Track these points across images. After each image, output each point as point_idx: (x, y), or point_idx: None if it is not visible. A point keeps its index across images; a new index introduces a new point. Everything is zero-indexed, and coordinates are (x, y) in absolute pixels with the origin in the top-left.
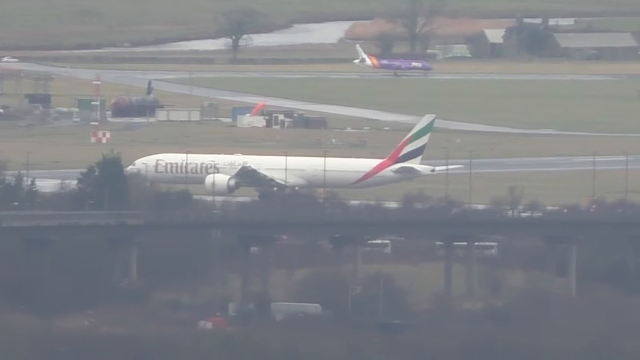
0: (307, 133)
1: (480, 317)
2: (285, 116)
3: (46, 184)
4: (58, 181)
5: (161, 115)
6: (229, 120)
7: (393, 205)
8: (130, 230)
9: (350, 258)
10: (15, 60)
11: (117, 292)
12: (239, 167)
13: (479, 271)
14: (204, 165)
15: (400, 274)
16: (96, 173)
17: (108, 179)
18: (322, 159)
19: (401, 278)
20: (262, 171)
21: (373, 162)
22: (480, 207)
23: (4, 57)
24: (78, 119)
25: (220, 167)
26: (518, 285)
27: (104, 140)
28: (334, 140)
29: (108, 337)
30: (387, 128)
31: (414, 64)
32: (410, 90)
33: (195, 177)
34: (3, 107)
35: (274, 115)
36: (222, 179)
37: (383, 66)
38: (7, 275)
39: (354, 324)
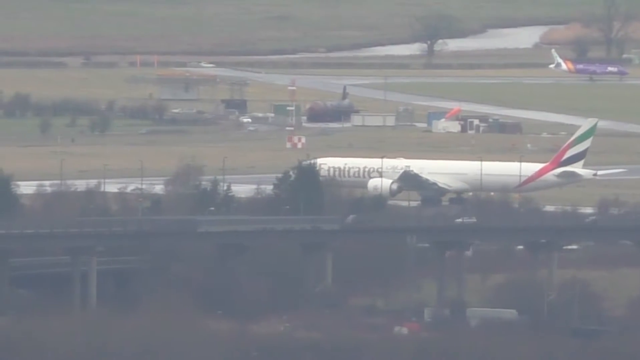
0: (502, 138)
1: None
2: (480, 121)
3: (242, 189)
4: (253, 186)
5: (356, 120)
6: (424, 125)
7: (588, 210)
8: (325, 235)
9: (545, 263)
10: (212, 65)
11: (312, 297)
12: (401, 171)
13: None
14: (366, 169)
15: (596, 279)
16: (292, 178)
17: (303, 184)
18: (485, 163)
19: (596, 283)
20: (425, 175)
21: (535, 166)
22: None
23: (200, 62)
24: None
25: (382, 171)
26: None
27: (299, 146)
28: (529, 145)
29: (303, 342)
30: None
31: (609, 68)
32: (605, 95)
33: (358, 181)
34: (199, 112)
35: (468, 120)
36: (385, 183)
37: (579, 71)
38: (203, 280)
39: (550, 329)
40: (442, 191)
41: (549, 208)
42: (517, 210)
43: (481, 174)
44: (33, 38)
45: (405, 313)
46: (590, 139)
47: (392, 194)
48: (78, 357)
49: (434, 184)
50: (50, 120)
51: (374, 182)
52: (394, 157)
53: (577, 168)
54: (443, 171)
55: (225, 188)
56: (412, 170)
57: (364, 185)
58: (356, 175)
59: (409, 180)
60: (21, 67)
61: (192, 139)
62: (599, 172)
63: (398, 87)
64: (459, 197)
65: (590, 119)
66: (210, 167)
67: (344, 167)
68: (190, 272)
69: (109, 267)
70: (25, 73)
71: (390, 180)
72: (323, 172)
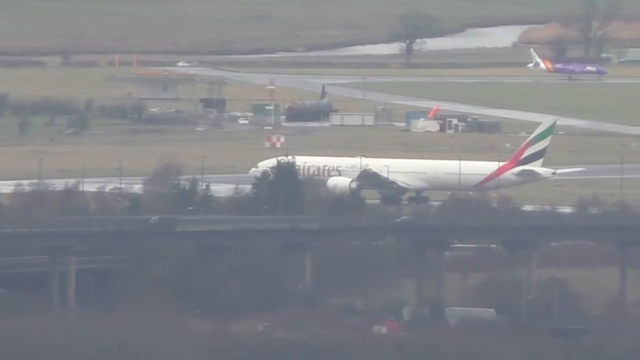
0: (481, 137)
1: None
2: (459, 120)
3: (221, 189)
4: (232, 186)
5: (335, 119)
6: (403, 124)
7: (567, 209)
8: (305, 234)
9: (524, 262)
10: (188, 64)
11: (291, 297)
12: (361, 169)
13: None
14: (326, 168)
15: (575, 278)
16: (271, 177)
17: (283, 184)
18: (445, 161)
19: (576, 283)
20: (384, 174)
21: (494, 165)
22: None
23: (179, 62)
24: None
25: (342, 169)
26: None
27: (278, 145)
28: (507, 144)
29: (283, 342)
30: (561, 132)
31: (588, 68)
32: (584, 94)
33: (318, 180)
34: (177, 111)
35: (447, 119)
36: (344, 182)
37: (557, 70)
38: (182, 279)
39: (529, 329)
40: (401, 190)
41: (528, 207)
42: (495, 209)
43: (463, 172)
44: (12, 37)
45: (384, 312)
46: (549, 137)
47: (351, 192)
48: (57, 357)
49: (393, 182)
50: (29, 120)
51: (333, 181)
52: (357, 156)
53: (536, 167)
54: (402, 170)
55: (204, 187)
56: (370, 169)
57: (323, 184)
58: (315, 173)
59: (367, 178)
60: (0, 66)
61: (171, 138)
62: (558, 171)
63: (377, 87)
64: (418, 196)
65: (549, 118)
66: (189, 167)
67: (304, 166)
68: (169, 272)
69: (88, 266)
70: (4, 72)
71: (350, 179)
72: None
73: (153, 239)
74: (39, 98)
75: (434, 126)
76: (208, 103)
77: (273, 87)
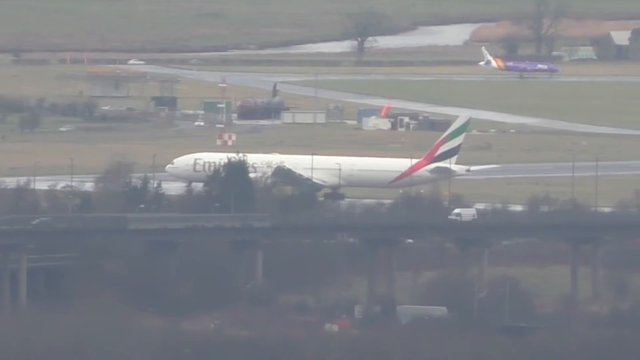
0: (433, 135)
1: (607, 320)
2: (410, 118)
3: (172, 187)
4: (184, 184)
5: (287, 117)
6: (354, 122)
7: (518, 207)
8: (256, 232)
9: (475, 260)
10: (142, 62)
11: (242, 295)
12: (275, 166)
13: (605, 274)
14: None
15: (526, 276)
16: (222, 175)
17: (234, 182)
18: (360, 158)
19: (527, 281)
20: (299, 171)
21: (409, 162)
22: (606, 209)
23: (130, 59)
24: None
25: (257, 166)
26: None
27: (229, 143)
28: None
29: (234, 340)
30: (512, 130)
31: (539, 66)
32: (535, 92)
33: None
34: (129, 109)
35: (399, 117)
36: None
37: (509, 68)
38: (134, 277)
39: (480, 327)
40: (317, 186)
41: (479, 205)
42: (447, 207)
43: (378, 169)
44: None
45: (336, 310)
46: (463, 135)
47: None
48: (7, 356)
49: (308, 179)
50: None
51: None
52: (271, 152)
53: (450, 164)
54: (318, 166)
55: (155, 185)
56: (285, 166)
57: None
58: None
59: (282, 175)
60: None
61: (122, 136)
62: (472, 168)
63: (328, 85)
64: (334, 193)
65: (463, 115)
66: (141, 165)
67: (220, 162)
68: (121, 270)
69: (39, 264)
70: None
71: (265, 176)
72: (198, 167)
73: (105, 236)
74: None
75: (385, 124)
76: (159, 101)
77: (225, 84)
